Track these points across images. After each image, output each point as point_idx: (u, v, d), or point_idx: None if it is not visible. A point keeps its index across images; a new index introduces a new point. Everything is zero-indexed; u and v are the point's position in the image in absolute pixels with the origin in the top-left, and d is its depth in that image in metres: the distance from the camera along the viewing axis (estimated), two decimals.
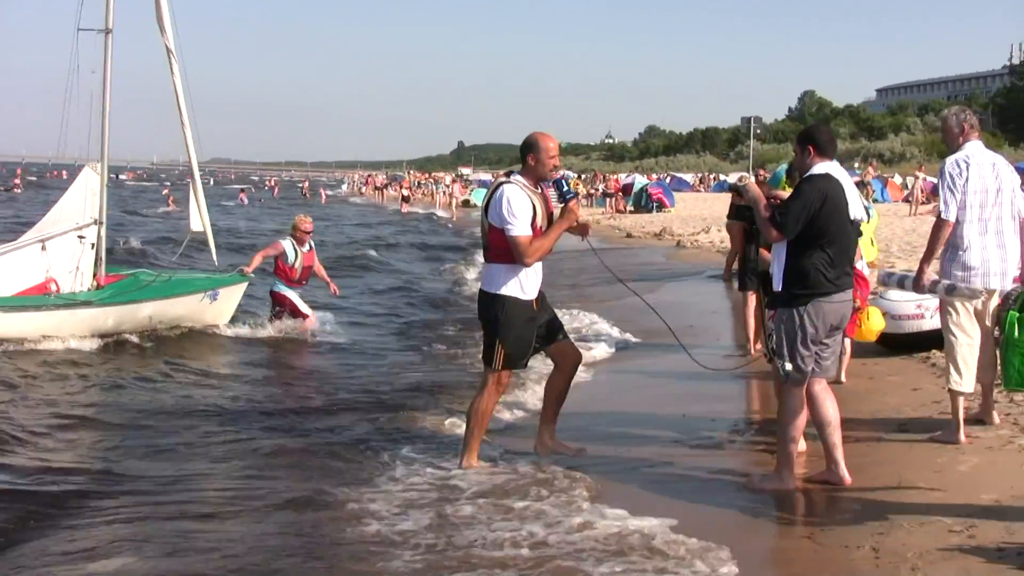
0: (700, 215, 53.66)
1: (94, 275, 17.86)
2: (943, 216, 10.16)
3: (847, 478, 8.97)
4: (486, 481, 9.44)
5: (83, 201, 17.99)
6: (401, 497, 9.11)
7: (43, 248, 17.22)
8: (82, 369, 15.39)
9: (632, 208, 62.67)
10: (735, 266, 17.85)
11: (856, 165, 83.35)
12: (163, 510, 9.07)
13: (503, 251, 9.45)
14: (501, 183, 9.63)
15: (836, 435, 9.01)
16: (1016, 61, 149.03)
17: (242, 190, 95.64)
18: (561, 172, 10.19)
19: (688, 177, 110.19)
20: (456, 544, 7.89)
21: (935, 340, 13.42)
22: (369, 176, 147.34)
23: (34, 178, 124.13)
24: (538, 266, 9.69)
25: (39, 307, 16.53)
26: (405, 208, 76.82)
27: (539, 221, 9.51)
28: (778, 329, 8.96)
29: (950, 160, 10.38)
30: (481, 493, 9.12)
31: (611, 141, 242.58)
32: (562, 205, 9.83)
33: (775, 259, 9.07)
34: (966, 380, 10.14)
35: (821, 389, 9.07)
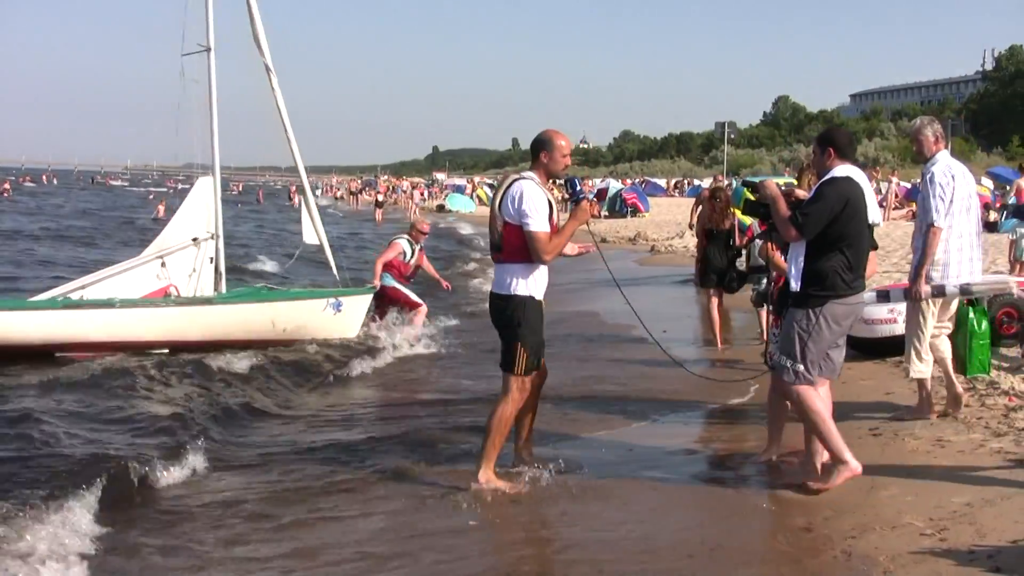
0: (675, 220, 53.63)
1: (215, 289, 17.90)
2: (936, 224, 10.47)
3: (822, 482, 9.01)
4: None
5: (200, 215, 18.06)
6: None
7: (163, 264, 17.41)
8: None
9: (606, 213, 62.71)
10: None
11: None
12: None
13: (518, 249, 9.15)
14: (515, 179, 9.35)
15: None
16: (989, 67, 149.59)
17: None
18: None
19: (662, 182, 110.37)
20: None
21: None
22: (338, 180, 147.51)
23: (34, 184, 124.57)
24: (545, 267, 9.41)
25: (159, 305, 16.66)
26: (380, 215, 75.48)
27: (555, 218, 9.28)
28: (791, 329, 8.91)
29: (939, 170, 10.68)
30: None
31: (586, 146, 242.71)
32: (574, 204, 9.59)
33: (792, 260, 9.04)
34: (928, 367, 10.84)
35: (824, 389, 9.13)
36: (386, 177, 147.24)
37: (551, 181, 9.66)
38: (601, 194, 67.79)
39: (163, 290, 17.25)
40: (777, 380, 9.47)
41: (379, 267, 18.84)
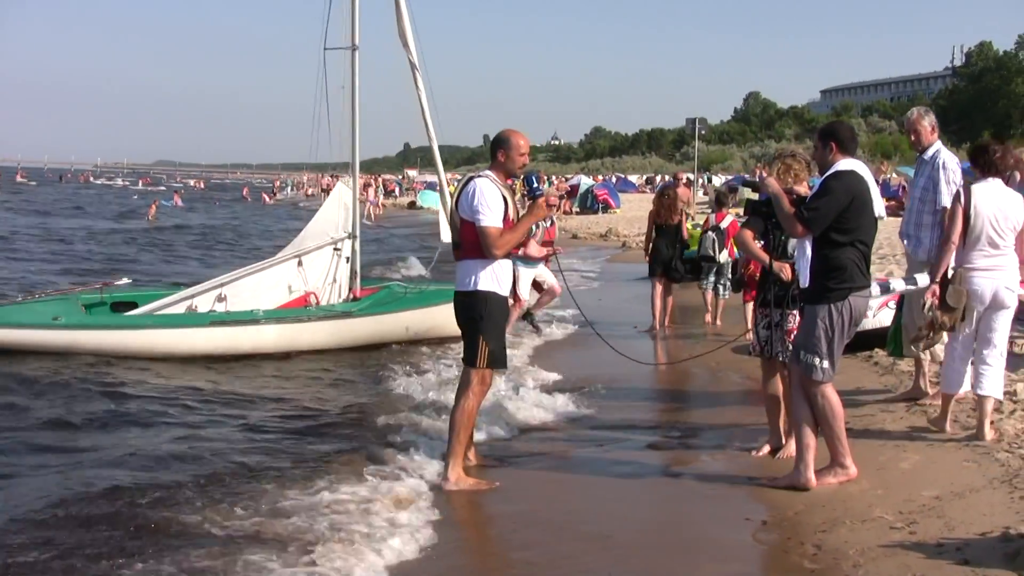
0: (646, 216, 53.38)
1: (350, 288, 17.99)
2: (947, 204, 10.73)
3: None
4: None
5: (338, 215, 18.20)
6: None
7: (299, 264, 17.59)
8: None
9: (578, 209, 62.67)
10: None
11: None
12: None
13: (475, 245, 9.29)
14: (472, 177, 9.54)
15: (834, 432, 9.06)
16: (958, 63, 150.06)
17: (176, 191, 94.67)
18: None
19: (634, 178, 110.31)
20: None
21: (877, 339, 13.57)
22: (308, 177, 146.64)
23: (34, 182, 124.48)
24: (509, 264, 9.57)
25: (300, 319, 16.76)
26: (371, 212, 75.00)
27: (511, 214, 9.40)
28: (815, 326, 8.81)
29: (947, 155, 11.21)
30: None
31: (557, 143, 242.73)
32: (531, 201, 9.66)
33: (799, 255, 9.09)
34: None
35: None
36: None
37: (520, 180, 9.81)
38: (573, 191, 67.79)
39: (303, 298, 17.53)
40: (774, 371, 9.58)
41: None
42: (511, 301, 18.15)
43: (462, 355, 9.63)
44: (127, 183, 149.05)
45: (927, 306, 9.98)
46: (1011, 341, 13.49)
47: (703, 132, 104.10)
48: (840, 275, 8.74)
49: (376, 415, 12.16)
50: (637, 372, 14.48)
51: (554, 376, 14.47)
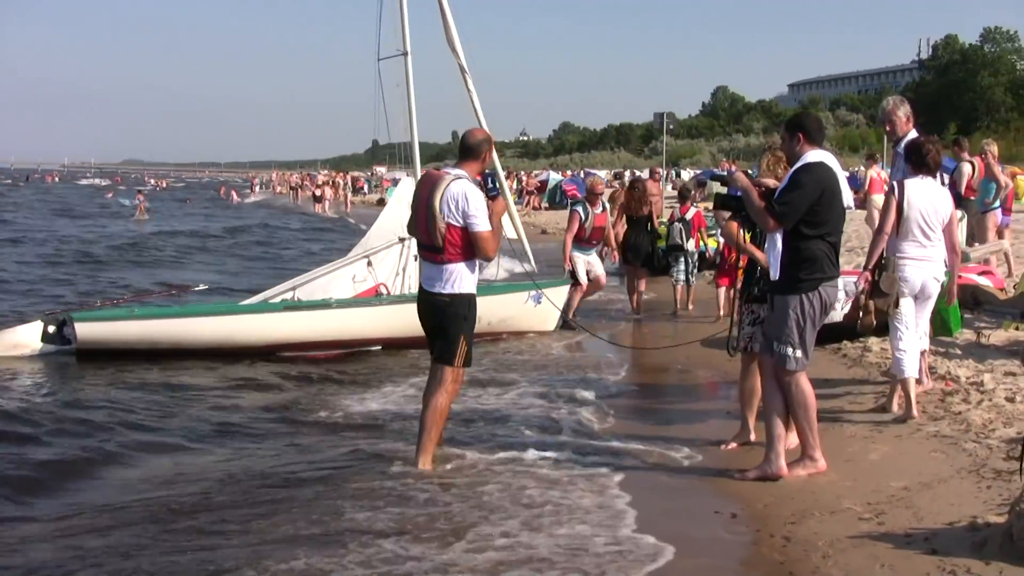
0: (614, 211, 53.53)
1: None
2: None
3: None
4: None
5: (403, 213, 17.71)
6: None
7: (369, 264, 17.79)
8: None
9: (547, 205, 62.63)
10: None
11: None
12: None
13: (463, 248, 9.28)
14: (453, 179, 9.37)
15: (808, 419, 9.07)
16: (924, 56, 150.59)
17: (139, 191, 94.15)
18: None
19: (603, 173, 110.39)
20: None
21: (846, 332, 13.63)
22: (277, 175, 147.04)
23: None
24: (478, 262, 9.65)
25: (372, 304, 17.01)
26: (319, 208, 75.05)
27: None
28: (787, 316, 8.86)
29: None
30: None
31: (526, 138, 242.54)
32: (489, 200, 9.55)
33: (770, 248, 9.06)
34: None
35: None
36: (326, 171, 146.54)
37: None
38: (541, 186, 67.82)
39: (373, 289, 17.67)
40: (753, 365, 9.61)
41: (568, 245, 18.95)
42: (574, 286, 18.46)
43: (435, 353, 9.62)
44: (108, 182, 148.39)
45: (860, 292, 10.18)
46: (978, 332, 13.66)
47: (671, 127, 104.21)
48: (811, 266, 8.78)
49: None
50: (605, 364, 14.54)
51: (512, 375, 14.48)
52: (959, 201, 20.08)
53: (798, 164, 8.97)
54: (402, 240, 17.84)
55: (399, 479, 9.35)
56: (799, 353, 8.85)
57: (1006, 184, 19.77)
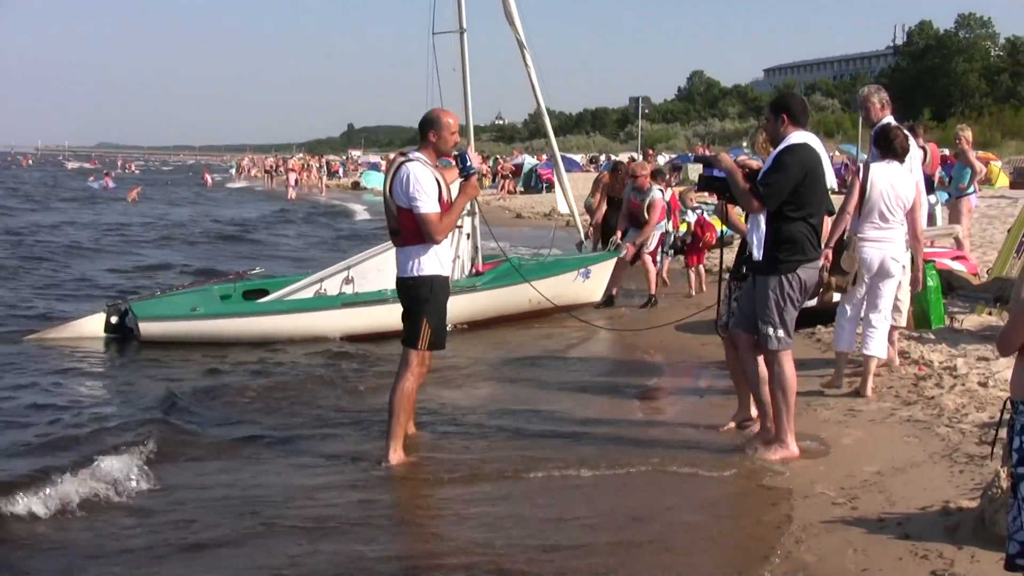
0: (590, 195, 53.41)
1: (472, 263, 18.22)
2: None
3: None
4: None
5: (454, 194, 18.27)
6: None
7: None
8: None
9: (522, 189, 62.58)
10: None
11: (744, 145, 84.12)
12: None
13: (415, 232, 9.21)
14: (403, 162, 9.35)
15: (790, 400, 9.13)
16: (900, 42, 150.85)
17: (107, 173, 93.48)
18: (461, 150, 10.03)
19: (578, 157, 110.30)
20: None
21: (820, 316, 13.64)
22: (250, 159, 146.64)
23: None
24: (446, 243, 9.57)
25: None
26: (293, 193, 74.62)
27: (445, 196, 9.32)
28: (768, 297, 8.96)
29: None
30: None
31: (501, 122, 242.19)
32: (463, 180, 9.63)
33: (753, 228, 9.13)
34: None
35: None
36: (301, 155, 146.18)
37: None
38: (516, 170, 67.76)
39: None
40: (737, 345, 9.60)
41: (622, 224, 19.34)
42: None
43: (402, 337, 9.55)
44: (95, 165, 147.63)
45: (821, 269, 10.32)
46: (951, 317, 13.71)
47: (647, 111, 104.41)
48: (791, 248, 8.87)
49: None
50: (586, 349, 14.55)
51: (495, 355, 14.46)
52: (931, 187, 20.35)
53: (782, 145, 9.01)
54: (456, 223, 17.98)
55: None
56: (781, 333, 8.95)
57: (980, 169, 19.82)
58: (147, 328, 15.47)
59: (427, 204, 9.08)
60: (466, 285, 17.25)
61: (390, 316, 15.84)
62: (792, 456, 8.98)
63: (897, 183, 10.75)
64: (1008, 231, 16.77)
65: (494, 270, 18.14)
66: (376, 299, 16.20)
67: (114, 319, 15.91)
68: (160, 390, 12.27)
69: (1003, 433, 5.12)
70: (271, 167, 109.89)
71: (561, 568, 6.91)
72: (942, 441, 9.14)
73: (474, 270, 18.14)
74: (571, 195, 21.01)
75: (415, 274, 9.29)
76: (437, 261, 9.31)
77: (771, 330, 8.94)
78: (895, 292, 11.16)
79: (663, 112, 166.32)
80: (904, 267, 11.17)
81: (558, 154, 20.93)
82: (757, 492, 8.33)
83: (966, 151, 19.25)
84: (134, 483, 8.79)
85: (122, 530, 7.86)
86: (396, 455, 9.31)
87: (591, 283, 18.23)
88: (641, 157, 37.81)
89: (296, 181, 77.73)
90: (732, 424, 10.21)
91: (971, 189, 19.24)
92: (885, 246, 10.80)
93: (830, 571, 6.53)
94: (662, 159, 65.76)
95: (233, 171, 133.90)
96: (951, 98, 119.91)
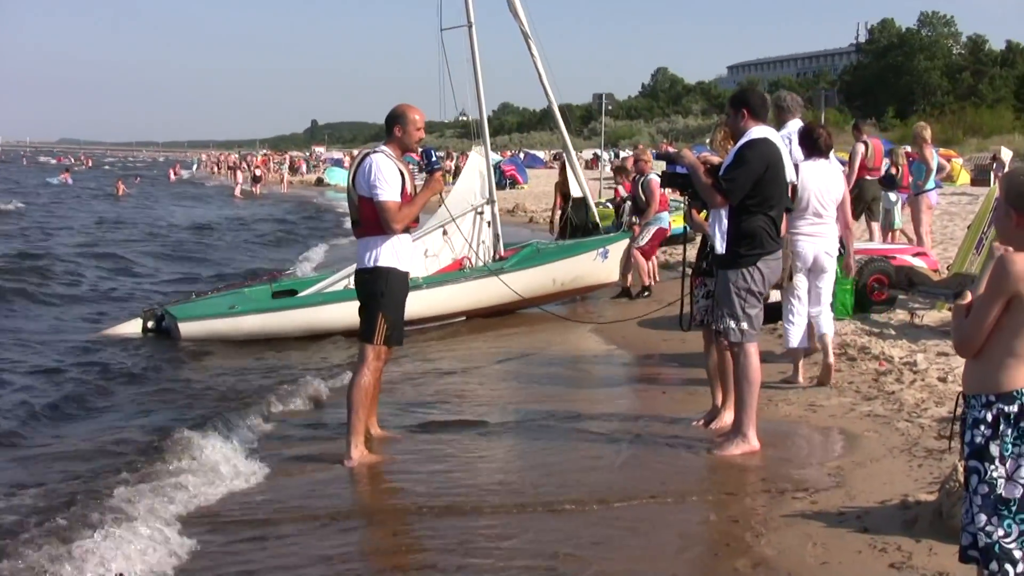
0: (553, 191, 53.30)
1: (495, 249, 18.68)
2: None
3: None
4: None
5: (475, 183, 18.80)
6: None
7: (444, 232, 17.97)
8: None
9: None
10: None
11: (707, 140, 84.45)
12: None
13: (375, 222, 9.21)
14: (367, 153, 9.43)
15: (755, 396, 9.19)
16: (862, 39, 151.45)
17: (66, 169, 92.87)
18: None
19: (541, 154, 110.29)
20: None
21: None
22: (208, 155, 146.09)
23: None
24: (409, 239, 9.57)
25: (459, 280, 17.37)
26: (257, 188, 74.30)
27: (408, 188, 9.32)
28: (729, 290, 9.02)
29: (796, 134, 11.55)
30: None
31: (465, 119, 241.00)
32: (427, 175, 9.66)
33: (715, 223, 9.19)
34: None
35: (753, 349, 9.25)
36: (264, 151, 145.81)
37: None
38: None
39: (459, 262, 18.02)
40: (717, 342, 9.66)
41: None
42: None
43: (359, 331, 9.53)
44: (72, 160, 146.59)
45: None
46: (912, 313, 13.80)
47: (610, 108, 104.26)
48: (751, 242, 8.94)
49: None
50: (544, 344, 14.56)
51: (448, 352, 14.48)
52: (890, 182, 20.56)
53: (743, 140, 9.07)
54: (475, 208, 18.43)
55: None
56: (744, 325, 9.00)
57: (938, 167, 19.90)
58: (187, 328, 15.77)
59: (387, 192, 9.10)
60: (495, 268, 17.60)
61: (422, 302, 16.20)
62: (753, 450, 9.01)
63: (827, 179, 11.10)
64: (968, 227, 16.87)
65: (517, 255, 18.51)
66: (411, 287, 16.39)
67: (150, 323, 16.36)
68: None
69: (959, 427, 5.16)
70: (235, 163, 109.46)
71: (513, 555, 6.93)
72: (902, 436, 9.21)
73: (497, 256, 18.53)
74: (583, 180, 21.47)
75: (371, 265, 9.27)
76: (395, 254, 9.28)
77: (733, 323, 8.99)
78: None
79: (627, 109, 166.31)
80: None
81: (569, 142, 21.21)
82: (716, 487, 8.36)
83: (923, 148, 19.34)
84: None
85: None
86: (357, 451, 9.26)
87: (609, 262, 18.73)
88: (604, 155, 38.07)
89: (245, 179, 77.13)
90: (700, 421, 10.21)
91: (930, 186, 19.32)
92: (819, 241, 11.09)
93: (790, 565, 6.56)
94: (625, 155, 65.75)
95: (195, 167, 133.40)
96: (913, 96, 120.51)
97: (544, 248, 18.90)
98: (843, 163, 22.11)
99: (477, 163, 19.16)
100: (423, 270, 16.71)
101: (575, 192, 20.94)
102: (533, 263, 18.07)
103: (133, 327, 16.40)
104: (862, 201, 20.21)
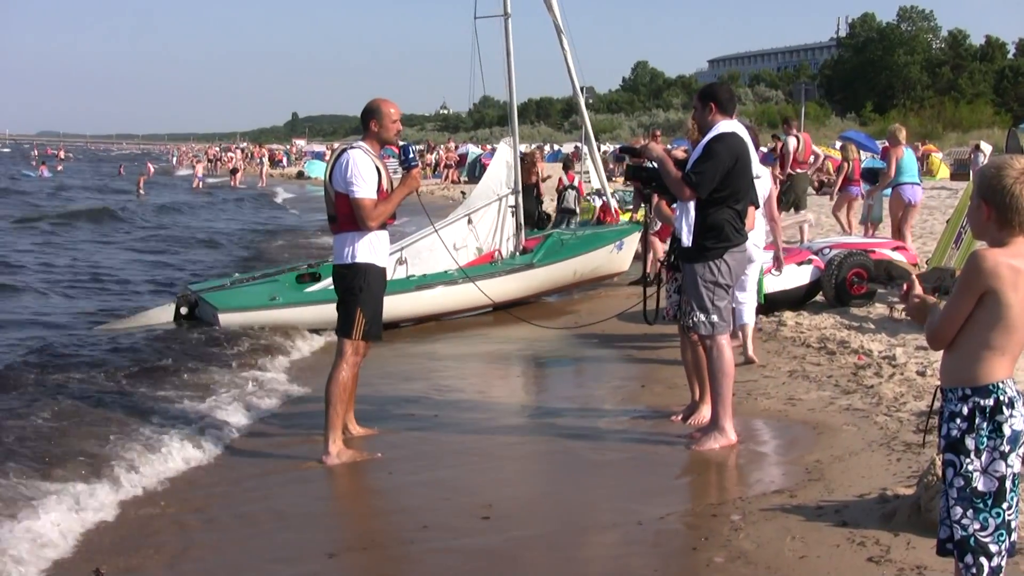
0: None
1: (516, 239, 18.88)
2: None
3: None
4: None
5: (502, 173, 18.93)
6: None
7: (469, 222, 18.16)
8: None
9: (466, 179, 62.42)
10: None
11: (685, 133, 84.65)
12: None
13: (352, 218, 9.19)
14: (344, 149, 9.43)
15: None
16: (843, 34, 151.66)
17: (43, 162, 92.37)
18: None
19: (523, 147, 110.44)
20: None
21: (759, 307, 13.73)
22: (185, 147, 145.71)
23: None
24: (387, 234, 9.55)
25: (493, 275, 17.45)
26: (235, 180, 74.12)
27: (384, 184, 9.30)
28: (696, 284, 9.08)
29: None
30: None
31: (446, 112, 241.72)
32: (404, 171, 9.62)
33: (683, 216, 9.19)
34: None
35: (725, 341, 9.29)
36: (245, 144, 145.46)
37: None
38: (461, 160, 67.66)
39: (489, 255, 18.22)
40: (689, 336, 9.69)
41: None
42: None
43: (336, 326, 9.53)
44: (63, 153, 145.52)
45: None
46: (891, 306, 13.86)
47: (591, 101, 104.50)
48: (717, 235, 9.00)
49: None
50: (524, 341, 14.55)
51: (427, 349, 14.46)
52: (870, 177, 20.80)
53: (711, 134, 9.14)
54: (501, 198, 18.56)
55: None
56: (715, 318, 9.06)
57: (888, 175, 19.82)
58: (227, 318, 15.66)
59: (363, 189, 9.09)
60: (525, 263, 18.18)
61: (460, 295, 16.80)
62: (731, 443, 9.04)
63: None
64: (947, 222, 16.94)
65: (541, 245, 18.79)
66: (446, 280, 16.87)
67: (183, 309, 16.25)
68: None
69: (936, 421, 5.17)
70: (214, 156, 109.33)
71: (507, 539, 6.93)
72: (880, 429, 9.22)
73: (522, 246, 18.80)
74: (603, 172, 22.33)
75: (349, 261, 9.26)
76: (372, 250, 9.27)
77: (703, 315, 9.06)
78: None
79: (608, 102, 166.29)
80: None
81: (592, 133, 22.08)
82: (696, 480, 8.38)
83: (892, 150, 19.43)
84: None
85: None
86: (335, 446, 9.24)
87: (623, 254, 19.41)
88: (585, 149, 38.11)
89: (201, 173, 76.83)
90: (680, 417, 10.22)
91: (903, 179, 19.30)
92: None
93: (768, 558, 6.56)
94: (608, 148, 65.90)
95: (174, 160, 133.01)
96: (893, 90, 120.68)
97: (567, 240, 19.27)
98: (772, 158, 22.88)
99: (505, 154, 19.31)
100: (454, 263, 16.39)
101: (595, 184, 22.11)
102: (561, 256, 18.52)
103: (165, 314, 16.31)
104: (792, 193, 21.07)
